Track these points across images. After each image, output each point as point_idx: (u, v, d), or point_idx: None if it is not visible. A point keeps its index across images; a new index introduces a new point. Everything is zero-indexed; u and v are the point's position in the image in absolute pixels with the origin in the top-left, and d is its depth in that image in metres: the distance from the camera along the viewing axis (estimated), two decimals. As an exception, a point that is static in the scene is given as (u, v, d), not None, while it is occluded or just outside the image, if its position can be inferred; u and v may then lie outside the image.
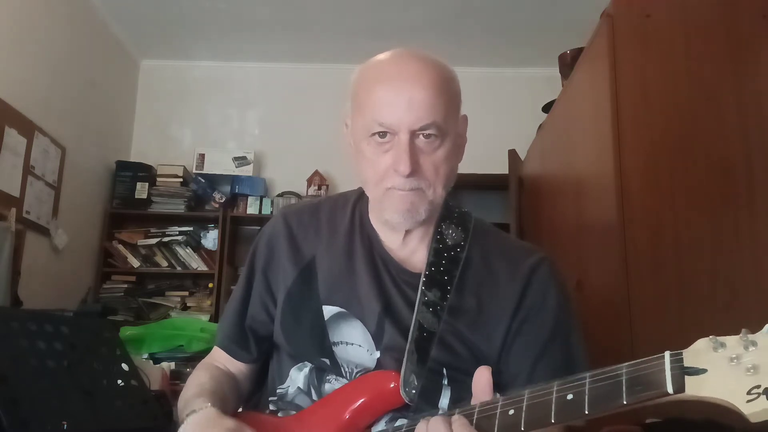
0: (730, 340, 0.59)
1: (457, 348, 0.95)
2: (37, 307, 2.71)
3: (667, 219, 1.71)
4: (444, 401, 0.94)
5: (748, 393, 0.55)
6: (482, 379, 0.78)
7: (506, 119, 4.04)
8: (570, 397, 0.66)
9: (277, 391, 1.03)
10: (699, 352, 0.60)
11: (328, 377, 0.98)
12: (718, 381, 0.58)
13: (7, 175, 2.96)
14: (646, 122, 1.79)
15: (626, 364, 0.64)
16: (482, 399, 0.76)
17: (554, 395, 0.68)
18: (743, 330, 0.59)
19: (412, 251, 1.03)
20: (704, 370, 0.59)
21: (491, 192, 4.06)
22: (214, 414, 0.91)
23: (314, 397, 0.99)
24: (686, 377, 0.59)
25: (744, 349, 0.58)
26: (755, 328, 1.66)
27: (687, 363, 0.60)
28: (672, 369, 0.60)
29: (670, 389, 0.59)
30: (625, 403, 0.61)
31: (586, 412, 0.64)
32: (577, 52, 2.32)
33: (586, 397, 0.65)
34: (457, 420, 0.73)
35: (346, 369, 0.98)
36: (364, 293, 0.99)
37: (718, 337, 0.60)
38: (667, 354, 0.61)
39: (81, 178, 3.74)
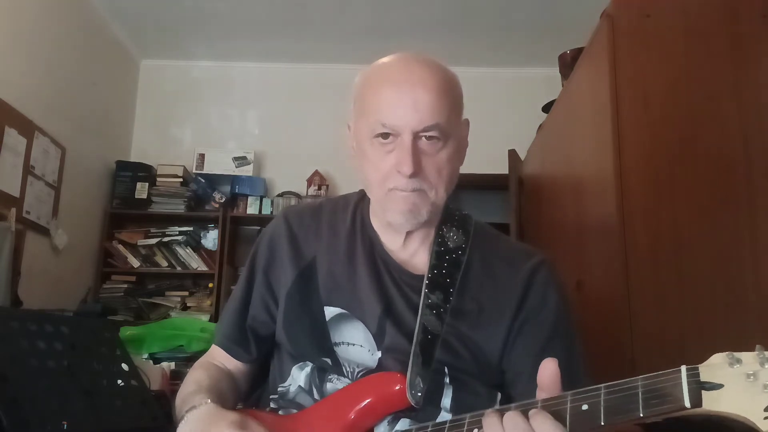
0: (746, 357, 0.60)
1: (459, 349, 0.96)
2: (37, 307, 2.72)
3: (667, 219, 1.71)
4: (446, 401, 0.95)
5: (766, 410, 0.56)
6: (549, 372, 0.73)
7: (506, 119, 4.04)
8: (585, 407, 0.66)
9: (279, 389, 1.03)
10: (715, 367, 0.61)
11: (329, 377, 0.99)
12: (734, 397, 0.58)
13: (7, 175, 2.96)
14: (646, 122, 1.79)
15: (641, 377, 0.64)
16: (550, 391, 0.73)
17: (569, 405, 0.68)
18: (758, 346, 0.60)
19: (412, 253, 1.04)
20: (721, 386, 0.59)
21: (491, 192, 4.06)
22: (214, 408, 0.91)
23: (316, 396, 0.99)
24: (703, 392, 0.59)
25: (760, 365, 0.58)
26: (755, 328, 1.66)
27: (703, 378, 0.60)
28: (689, 383, 0.60)
29: (687, 403, 0.59)
30: (641, 415, 0.62)
31: (602, 423, 0.64)
32: (577, 52, 2.31)
33: (602, 408, 0.65)
34: (538, 414, 0.69)
35: (348, 369, 0.98)
36: (365, 294, 0.99)
37: (734, 353, 0.60)
38: (683, 368, 0.61)
39: (81, 178, 3.74)
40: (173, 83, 4.57)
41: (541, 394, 0.74)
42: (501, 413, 0.73)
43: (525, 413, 0.70)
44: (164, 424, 1.53)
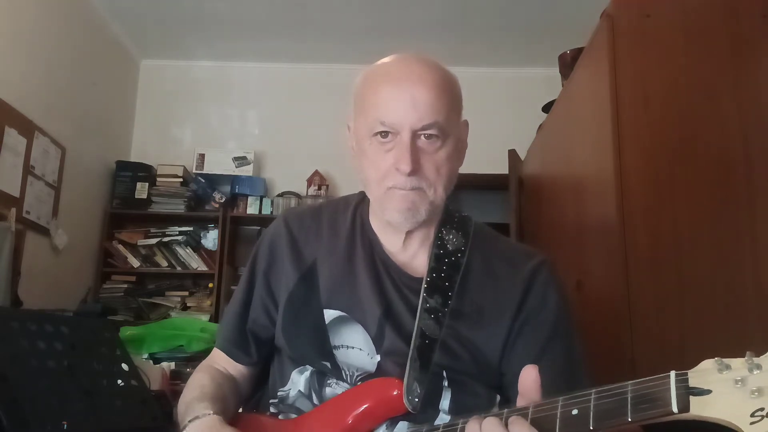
0: (735, 362, 0.60)
1: (458, 351, 0.96)
2: (37, 307, 2.71)
3: (667, 219, 1.71)
4: (444, 403, 0.94)
5: (752, 415, 0.56)
6: (529, 378, 0.75)
7: (506, 119, 4.04)
8: (575, 412, 0.67)
9: (278, 393, 1.03)
10: (704, 372, 0.61)
11: (329, 381, 0.98)
12: (722, 402, 0.58)
13: (7, 175, 2.96)
14: (646, 122, 1.78)
15: (631, 381, 0.65)
16: (530, 398, 0.74)
17: (559, 410, 0.68)
18: (748, 353, 0.60)
19: (412, 255, 1.03)
20: (709, 391, 0.59)
21: (491, 192, 4.06)
22: (216, 422, 0.91)
23: (315, 400, 0.98)
24: (691, 397, 0.60)
25: (749, 371, 0.59)
26: (755, 329, 1.65)
27: (692, 383, 0.61)
28: (677, 389, 0.61)
29: (675, 408, 0.60)
30: (629, 420, 0.63)
31: (591, 428, 0.65)
32: (577, 52, 2.31)
33: (591, 412, 0.65)
34: (516, 421, 0.71)
35: (347, 372, 0.97)
36: (365, 297, 0.99)
37: (723, 359, 0.61)
38: (672, 373, 0.62)
39: (81, 178, 3.74)
40: (173, 83, 4.57)
41: (521, 401, 0.74)
42: (482, 419, 0.74)
43: (523, 417, 0.71)
44: (164, 424, 1.53)
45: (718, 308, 1.62)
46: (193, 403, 0.97)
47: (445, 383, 0.95)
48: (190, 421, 0.93)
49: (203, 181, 4.24)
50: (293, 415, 0.99)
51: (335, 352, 0.98)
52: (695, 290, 1.65)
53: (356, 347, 0.97)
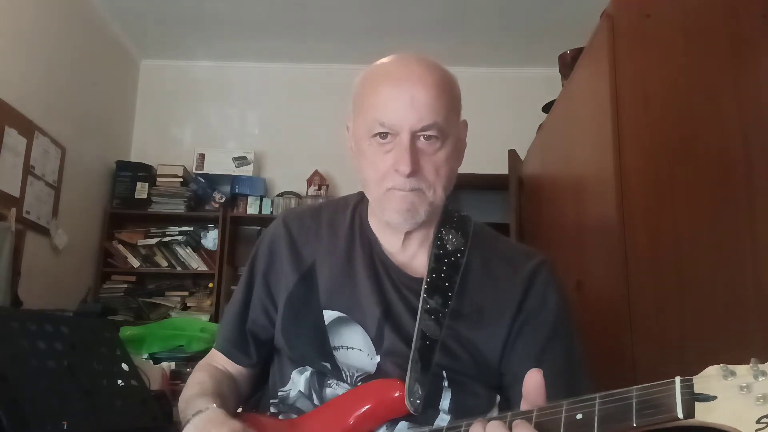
0: (740, 369, 0.60)
1: (458, 352, 0.96)
2: (37, 307, 2.71)
3: (667, 219, 1.71)
4: (444, 403, 0.94)
5: (758, 422, 0.57)
6: (533, 382, 0.74)
7: (506, 119, 4.04)
8: (579, 416, 0.67)
9: (279, 393, 1.03)
10: (709, 378, 0.61)
11: (329, 381, 0.98)
12: (727, 409, 0.58)
13: (7, 175, 2.96)
14: (646, 122, 1.78)
15: (636, 387, 0.65)
16: (534, 401, 0.74)
17: (563, 414, 0.68)
18: (753, 359, 0.60)
19: (411, 256, 1.03)
20: (714, 397, 0.59)
21: (491, 192, 4.06)
22: (219, 415, 0.92)
23: (315, 401, 0.98)
24: (696, 403, 0.60)
25: (754, 378, 0.59)
26: (755, 329, 1.65)
27: (697, 389, 0.61)
28: (682, 394, 0.61)
29: (680, 414, 0.60)
30: (634, 425, 0.63)
31: None
32: (577, 52, 2.31)
33: (596, 417, 0.65)
34: (520, 424, 0.71)
35: (347, 373, 0.97)
36: (365, 297, 0.99)
37: (728, 365, 0.61)
38: (677, 379, 0.62)
39: (81, 178, 3.74)
40: (173, 83, 4.57)
41: (524, 404, 0.74)
42: (486, 422, 0.73)
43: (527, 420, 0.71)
44: (164, 424, 1.53)
45: (718, 308, 1.62)
46: (194, 399, 0.97)
47: (445, 383, 0.95)
48: (193, 416, 0.93)
49: (203, 181, 4.24)
50: (294, 415, 0.99)
51: (335, 352, 0.98)
52: (695, 290, 1.65)
53: (356, 348, 0.97)
